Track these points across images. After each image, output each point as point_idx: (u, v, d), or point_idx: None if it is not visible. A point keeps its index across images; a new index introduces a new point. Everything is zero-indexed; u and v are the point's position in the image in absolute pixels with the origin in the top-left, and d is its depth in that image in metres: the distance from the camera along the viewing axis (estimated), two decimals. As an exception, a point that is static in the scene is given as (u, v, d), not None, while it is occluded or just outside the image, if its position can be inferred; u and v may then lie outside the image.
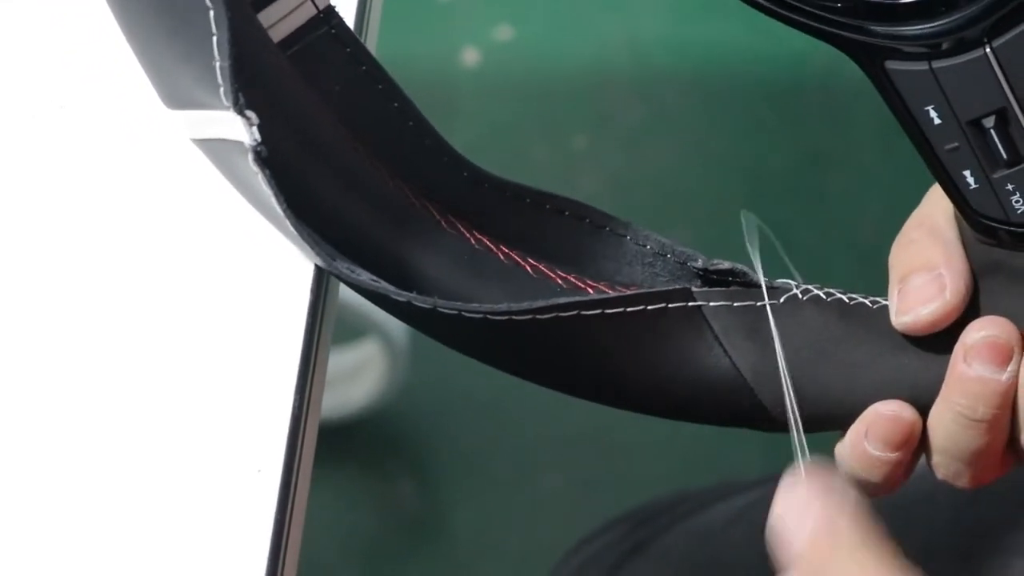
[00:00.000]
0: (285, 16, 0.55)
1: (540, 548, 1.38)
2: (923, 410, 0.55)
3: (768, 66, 1.65)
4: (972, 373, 0.53)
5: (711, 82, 1.67)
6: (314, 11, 0.55)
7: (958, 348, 0.53)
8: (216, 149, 0.53)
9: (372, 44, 0.67)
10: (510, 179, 0.57)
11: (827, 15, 0.49)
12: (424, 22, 1.68)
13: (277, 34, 0.55)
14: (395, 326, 1.41)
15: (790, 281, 0.55)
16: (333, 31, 0.55)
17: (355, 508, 1.46)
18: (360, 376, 1.46)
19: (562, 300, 0.52)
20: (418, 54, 1.63)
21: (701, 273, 0.56)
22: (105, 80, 0.62)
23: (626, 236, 0.57)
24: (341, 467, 1.46)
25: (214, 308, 0.58)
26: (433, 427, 1.49)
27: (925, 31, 0.48)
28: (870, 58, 0.49)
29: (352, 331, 1.45)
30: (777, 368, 0.54)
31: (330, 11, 0.56)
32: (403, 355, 1.42)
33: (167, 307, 0.58)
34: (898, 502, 0.77)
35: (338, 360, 1.43)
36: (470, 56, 1.67)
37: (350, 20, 0.64)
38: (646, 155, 1.63)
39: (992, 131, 0.49)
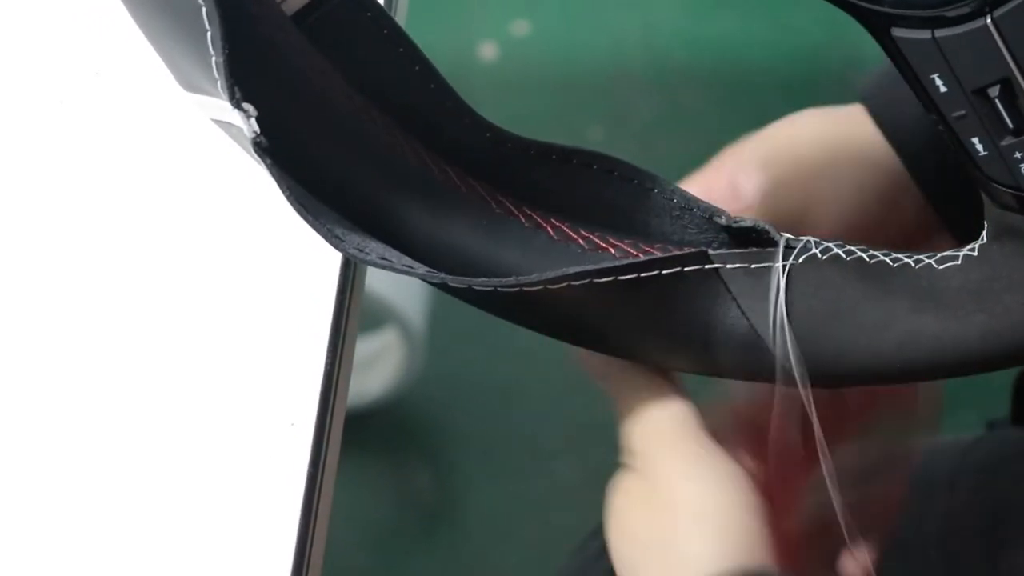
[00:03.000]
0: None
1: (555, 535, 1.38)
2: (941, 371, 0.55)
3: (784, 61, 1.65)
4: None
5: (726, 76, 1.67)
6: None
7: None
8: (230, 130, 0.54)
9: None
10: (534, 139, 0.57)
11: None
12: (442, 17, 1.69)
13: (295, 4, 0.55)
14: (413, 315, 1.41)
15: (811, 239, 0.55)
16: None
17: (370, 495, 1.47)
18: (377, 364, 1.47)
19: (573, 270, 0.52)
20: (435, 48, 1.62)
21: (725, 228, 0.56)
22: (106, 75, 0.64)
23: (653, 189, 0.57)
24: (357, 454, 1.47)
25: (249, 268, 0.59)
26: (449, 415, 1.49)
27: None
28: (877, 24, 0.49)
29: (370, 319, 1.45)
30: (795, 328, 0.53)
31: None
32: (420, 344, 1.43)
33: (204, 269, 0.59)
34: (917, 487, 0.78)
35: (356, 348, 1.43)
36: (487, 50, 1.68)
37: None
38: (661, 149, 1.63)
39: (997, 100, 0.49)
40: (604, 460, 1.47)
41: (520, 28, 1.70)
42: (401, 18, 0.68)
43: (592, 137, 1.63)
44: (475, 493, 1.46)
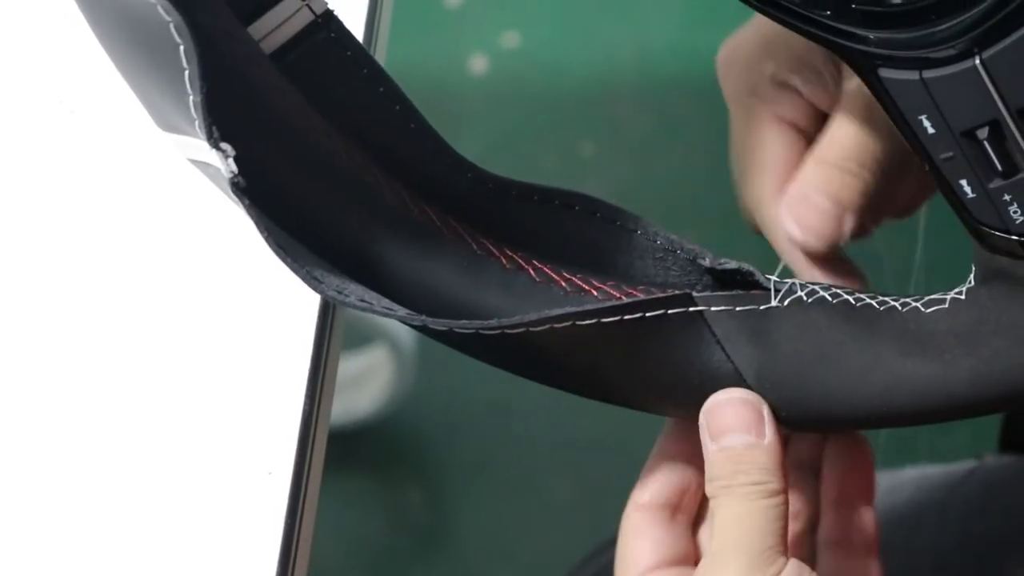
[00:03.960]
0: (280, 25, 0.55)
1: (549, 554, 1.38)
2: (929, 415, 0.54)
3: (775, 74, 1.65)
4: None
5: (718, 90, 1.67)
6: (311, 17, 0.55)
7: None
8: (208, 170, 0.54)
9: (382, 52, 0.68)
10: (515, 179, 0.57)
11: (821, 19, 0.49)
12: (432, 30, 1.68)
13: (273, 42, 0.55)
14: (403, 332, 1.41)
15: (796, 281, 0.55)
16: (332, 35, 0.55)
17: (363, 514, 1.47)
18: (367, 382, 1.46)
19: (556, 312, 0.52)
20: (426, 62, 1.63)
21: (709, 270, 0.56)
22: (114, 81, 0.63)
23: (636, 231, 0.57)
24: (348, 473, 1.47)
25: (225, 312, 0.59)
26: (441, 433, 1.49)
27: (915, 39, 0.47)
28: (863, 65, 0.49)
29: (360, 337, 1.45)
30: (780, 372, 0.54)
31: (329, 16, 0.55)
32: (410, 361, 1.43)
33: (179, 312, 0.59)
34: (908, 521, 0.77)
35: (345, 366, 1.43)
36: (478, 64, 1.67)
37: (360, 29, 0.65)
38: (653, 162, 1.63)
39: (986, 143, 0.48)
40: (597, 478, 1.47)
41: (510, 40, 1.69)
42: (386, 31, 0.68)
43: (584, 150, 1.63)
44: (467, 512, 1.45)
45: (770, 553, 0.54)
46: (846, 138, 0.64)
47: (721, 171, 1.69)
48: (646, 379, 0.54)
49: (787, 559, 0.54)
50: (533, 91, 1.67)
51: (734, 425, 0.54)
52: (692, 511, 0.60)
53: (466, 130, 1.61)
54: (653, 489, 0.59)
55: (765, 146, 0.67)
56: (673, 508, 0.59)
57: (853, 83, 0.64)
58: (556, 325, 0.52)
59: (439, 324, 0.52)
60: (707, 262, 0.56)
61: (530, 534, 1.43)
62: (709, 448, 0.55)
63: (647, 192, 1.60)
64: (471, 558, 1.43)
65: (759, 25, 0.68)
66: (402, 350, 1.42)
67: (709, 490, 0.55)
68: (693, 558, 0.59)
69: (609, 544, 0.88)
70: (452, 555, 1.43)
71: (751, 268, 0.55)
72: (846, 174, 0.64)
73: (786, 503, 0.54)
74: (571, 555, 0.92)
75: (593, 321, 0.52)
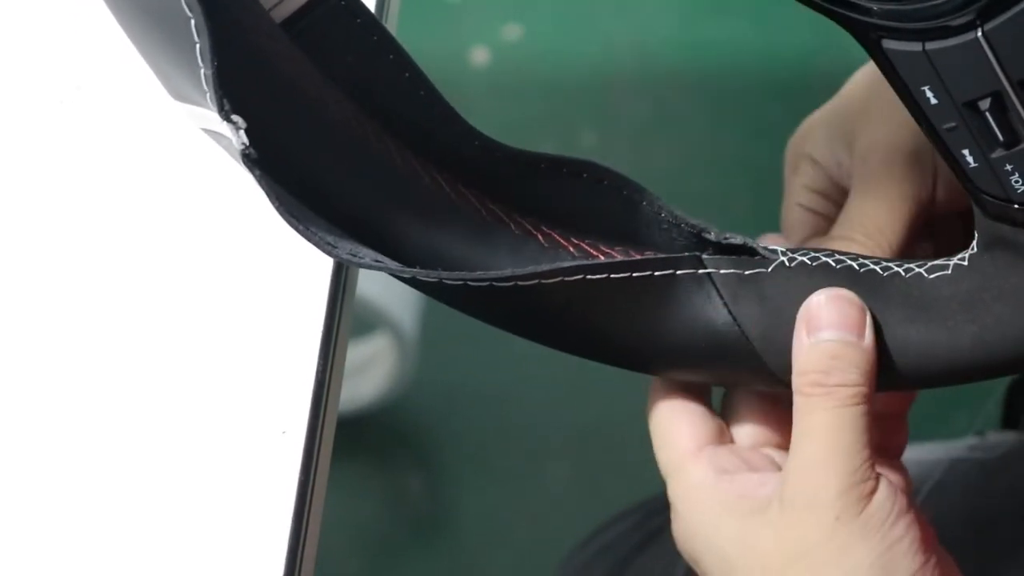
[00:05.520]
0: None
1: (548, 540, 1.39)
2: (932, 380, 0.55)
3: (775, 65, 1.66)
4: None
5: (718, 81, 1.67)
6: None
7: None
8: (221, 140, 0.54)
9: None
10: (522, 149, 0.57)
11: None
12: (434, 22, 1.69)
13: (285, 11, 0.55)
14: (405, 320, 1.41)
15: (799, 249, 0.55)
16: (343, 2, 0.55)
17: (364, 501, 1.47)
18: (369, 370, 1.47)
19: (567, 264, 0.52)
20: (428, 53, 1.63)
21: (714, 244, 0.56)
22: (124, 62, 0.63)
23: (642, 202, 0.57)
24: (350, 460, 1.47)
25: (240, 274, 0.59)
26: (442, 420, 1.49)
27: (918, 11, 0.48)
28: (867, 36, 0.49)
29: (363, 324, 1.46)
30: (786, 334, 0.54)
31: None
32: (412, 349, 1.43)
33: (193, 275, 0.59)
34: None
35: (348, 354, 1.43)
36: (479, 55, 1.68)
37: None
38: (653, 153, 1.64)
39: (988, 113, 0.49)
40: (597, 465, 1.47)
41: (512, 32, 1.70)
42: (393, 23, 0.68)
43: (584, 141, 1.63)
44: (468, 498, 1.46)
45: (864, 468, 0.53)
46: (852, 210, 0.63)
47: (720, 161, 1.70)
48: (651, 339, 0.55)
49: (877, 479, 0.53)
50: (534, 82, 1.67)
51: (835, 322, 0.53)
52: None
53: (468, 121, 1.61)
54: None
55: (789, 224, 0.67)
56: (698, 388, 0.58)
57: (861, 158, 0.65)
58: (567, 278, 0.52)
59: (454, 278, 0.53)
60: (712, 236, 0.56)
61: (529, 520, 1.44)
62: (803, 342, 0.53)
63: (647, 182, 1.59)
64: (470, 543, 1.43)
65: (823, 110, 0.68)
66: (404, 338, 1.42)
67: (797, 385, 0.53)
68: (728, 436, 0.58)
69: (604, 528, 0.89)
70: (452, 540, 1.44)
71: (755, 243, 0.55)
72: (856, 245, 0.62)
73: (873, 415, 0.53)
74: (570, 540, 0.93)
75: (603, 276, 0.53)
